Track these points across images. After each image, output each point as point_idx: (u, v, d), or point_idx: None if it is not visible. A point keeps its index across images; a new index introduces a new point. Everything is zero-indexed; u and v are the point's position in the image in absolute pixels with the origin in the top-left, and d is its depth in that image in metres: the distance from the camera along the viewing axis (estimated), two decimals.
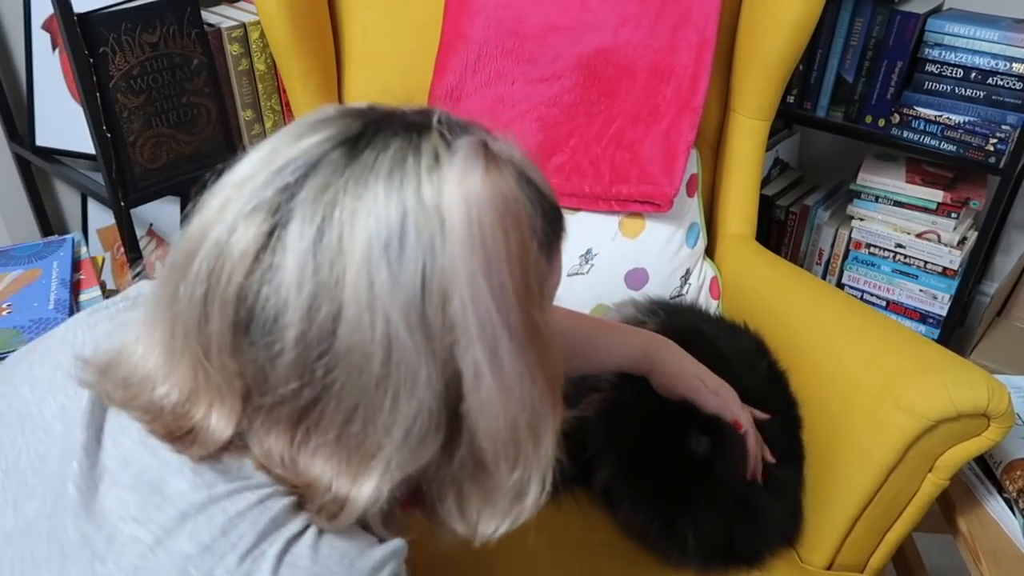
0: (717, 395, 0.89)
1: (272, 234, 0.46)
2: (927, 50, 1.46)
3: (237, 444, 0.50)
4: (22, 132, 1.58)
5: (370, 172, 0.46)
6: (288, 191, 0.46)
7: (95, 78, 1.32)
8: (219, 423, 0.49)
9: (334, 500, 0.48)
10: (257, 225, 0.46)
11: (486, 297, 0.46)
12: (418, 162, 0.47)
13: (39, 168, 1.59)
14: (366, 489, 0.48)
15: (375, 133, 0.48)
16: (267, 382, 0.47)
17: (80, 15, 1.28)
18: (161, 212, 1.71)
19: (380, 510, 0.50)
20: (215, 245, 0.46)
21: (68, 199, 1.72)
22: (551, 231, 0.54)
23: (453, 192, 0.46)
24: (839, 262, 1.71)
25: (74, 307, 1.04)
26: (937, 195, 1.53)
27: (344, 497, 0.48)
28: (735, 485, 0.88)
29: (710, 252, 1.29)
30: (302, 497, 0.49)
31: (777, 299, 1.12)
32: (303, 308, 0.45)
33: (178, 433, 0.49)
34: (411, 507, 0.55)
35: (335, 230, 0.45)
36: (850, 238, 1.66)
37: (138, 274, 0.62)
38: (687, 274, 1.20)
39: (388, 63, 1.24)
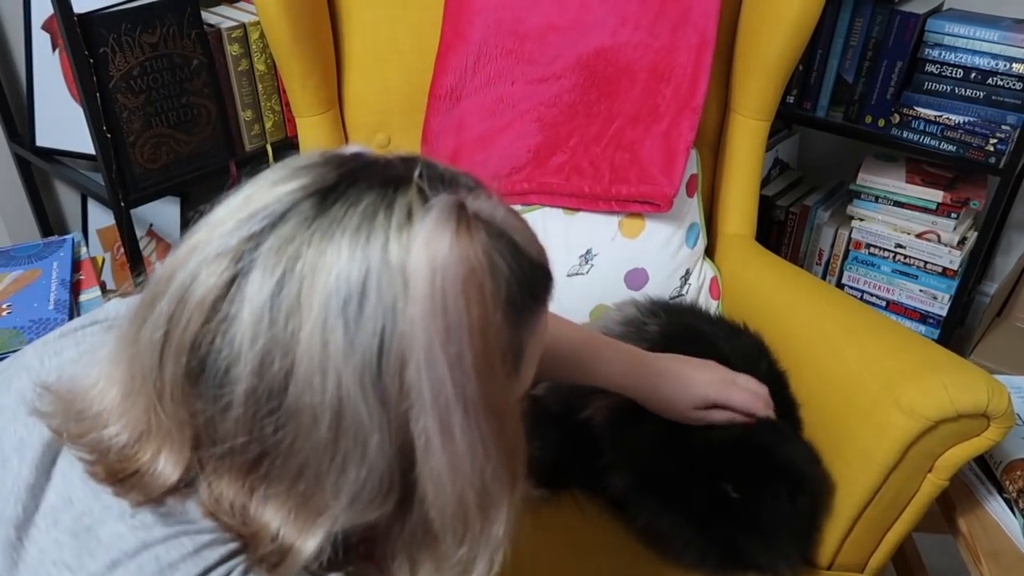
0: (727, 397, 0.89)
1: (232, 283, 0.44)
2: (927, 50, 1.46)
3: (183, 488, 0.49)
4: (22, 132, 1.58)
5: (338, 226, 0.45)
6: (254, 240, 0.45)
7: (95, 78, 1.32)
8: (166, 468, 0.48)
9: (279, 550, 0.47)
10: (219, 273, 0.44)
11: (442, 366, 0.44)
12: (388, 219, 0.45)
13: (39, 168, 1.59)
14: (311, 543, 0.47)
15: (350, 185, 0.47)
16: (216, 433, 0.46)
17: (80, 15, 1.28)
18: (161, 212, 1.71)
19: (329, 559, 0.49)
20: (178, 289, 0.45)
21: (68, 199, 1.72)
22: (530, 296, 0.51)
23: (420, 254, 0.44)
24: (839, 262, 1.71)
25: (74, 307, 1.04)
26: (937, 195, 1.53)
27: (288, 547, 0.47)
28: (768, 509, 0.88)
29: (710, 252, 1.29)
30: (245, 544, 0.48)
31: (777, 299, 1.12)
32: (255, 362, 0.44)
33: (120, 475, 0.48)
34: (364, 560, 0.53)
35: (295, 284, 0.44)
36: (850, 238, 1.66)
37: (140, 283, 0.62)
38: (687, 274, 1.20)
39: (388, 63, 1.24)
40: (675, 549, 0.91)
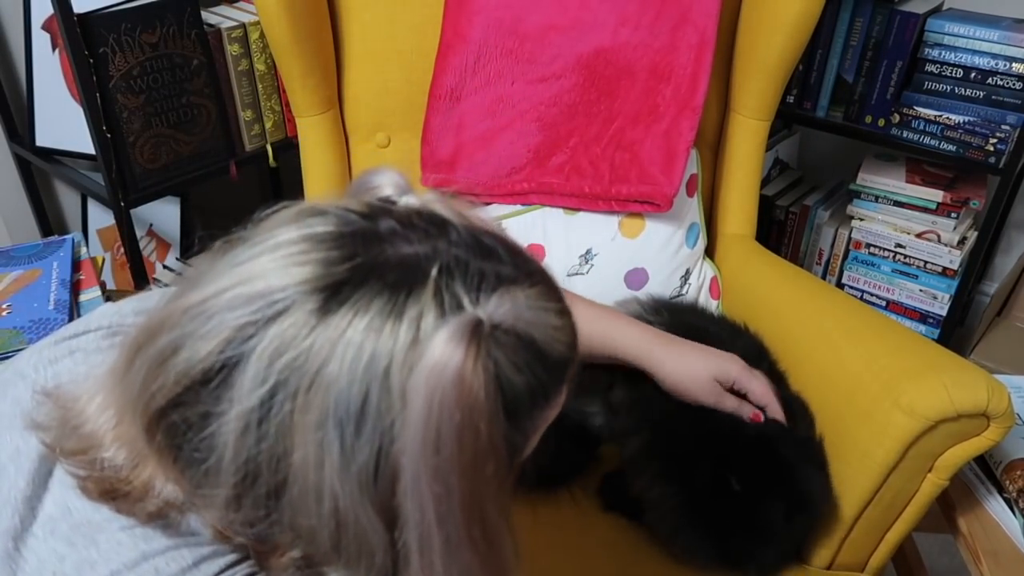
0: (748, 381, 0.89)
1: (221, 371, 0.42)
2: (927, 50, 1.46)
3: (183, 503, 0.48)
4: (22, 132, 1.58)
5: (340, 339, 0.41)
6: (247, 329, 0.42)
7: (95, 78, 1.32)
8: (164, 489, 0.47)
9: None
10: (207, 351, 0.42)
11: (427, 498, 0.42)
12: (395, 335, 0.41)
13: (39, 168, 1.59)
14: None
15: (359, 284, 0.42)
16: (208, 487, 0.45)
17: (80, 15, 1.28)
18: (161, 212, 1.71)
19: None
20: (171, 340, 0.43)
21: (68, 199, 1.72)
22: (543, 397, 0.48)
23: (422, 381, 0.41)
24: (839, 262, 1.71)
25: (74, 307, 1.04)
26: (937, 195, 1.53)
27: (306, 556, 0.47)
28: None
29: (710, 252, 1.29)
30: (247, 555, 0.48)
31: (777, 299, 1.12)
32: (238, 476, 0.43)
33: (115, 495, 0.47)
34: None
35: (288, 402, 0.41)
36: (850, 238, 1.66)
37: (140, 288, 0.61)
38: (687, 274, 1.20)
39: (388, 63, 1.24)
40: (659, 521, 0.91)
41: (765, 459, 0.87)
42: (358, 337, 0.41)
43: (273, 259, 0.43)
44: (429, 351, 0.41)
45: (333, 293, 0.42)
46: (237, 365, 0.42)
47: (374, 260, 0.43)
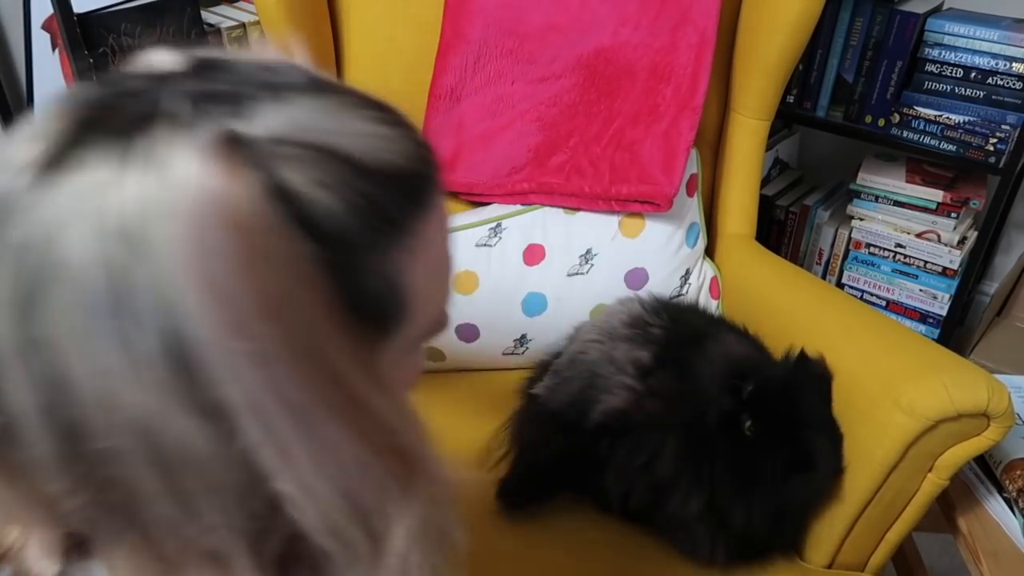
0: None
1: None
2: (927, 50, 1.46)
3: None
4: None
5: (64, 207, 0.33)
6: None
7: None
8: (39, 563, 0.40)
9: None
10: None
11: (245, 369, 0.34)
12: (123, 181, 0.32)
13: None
14: None
15: (79, 140, 0.34)
16: (54, 504, 0.37)
17: (80, 15, 1.28)
18: None
19: None
20: None
21: None
22: (386, 218, 0.38)
23: (170, 221, 0.32)
24: (839, 262, 1.71)
25: None
26: (937, 195, 1.53)
27: None
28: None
29: (710, 252, 1.29)
30: None
31: (777, 299, 1.12)
32: (41, 420, 0.34)
33: None
34: None
35: (32, 307, 0.33)
36: (850, 238, 1.66)
37: None
38: (687, 274, 1.20)
39: (388, 63, 1.24)
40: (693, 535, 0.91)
41: (781, 407, 0.87)
42: (75, 204, 0.33)
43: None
44: (171, 183, 0.32)
45: (51, 165, 0.33)
46: None
47: (99, 106, 0.36)
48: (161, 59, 0.39)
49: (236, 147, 0.34)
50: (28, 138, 0.35)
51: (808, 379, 0.92)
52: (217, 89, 0.37)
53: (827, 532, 0.94)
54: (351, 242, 0.37)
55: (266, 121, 0.36)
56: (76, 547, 0.40)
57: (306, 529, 0.38)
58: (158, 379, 0.33)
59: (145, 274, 0.32)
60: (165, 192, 0.32)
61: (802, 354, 0.93)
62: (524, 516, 0.97)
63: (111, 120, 0.35)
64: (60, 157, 0.34)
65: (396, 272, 0.39)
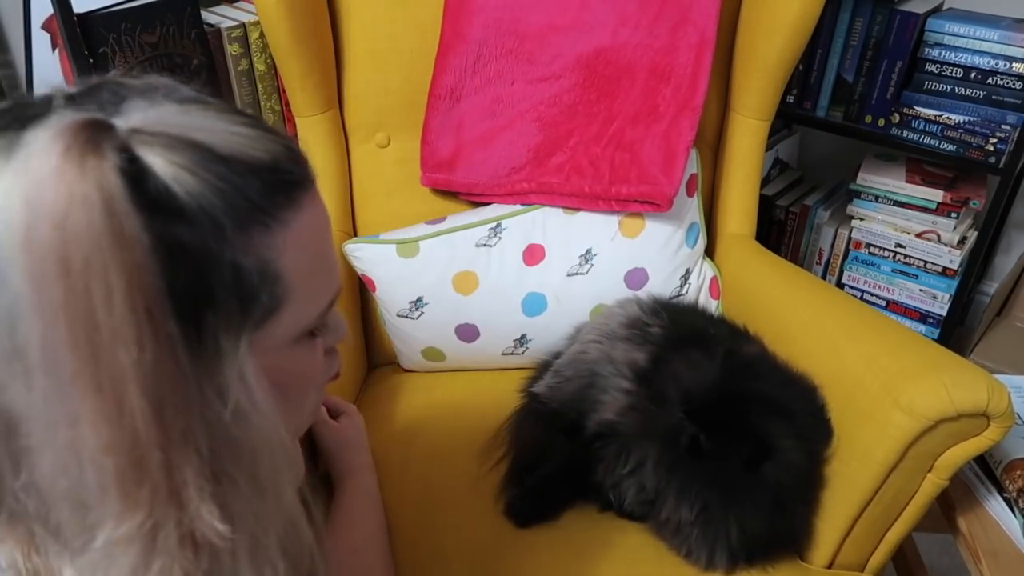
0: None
1: None
2: (927, 50, 1.46)
3: None
4: None
5: None
6: None
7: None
8: None
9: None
10: None
11: (28, 314, 0.37)
12: None
13: None
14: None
15: None
16: None
17: (80, 15, 1.28)
18: None
19: None
20: None
21: None
22: (249, 207, 0.42)
23: (12, 187, 0.36)
24: (839, 262, 1.71)
25: None
26: (937, 195, 1.53)
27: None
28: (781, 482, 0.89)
29: (710, 252, 1.29)
30: None
31: (777, 299, 1.12)
32: None
33: None
34: None
35: None
36: (850, 238, 1.66)
37: None
38: (687, 274, 1.20)
39: (388, 63, 1.24)
40: (691, 542, 0.91)
41: (722, 412, 0.88)
42: None
43: None
44: (21, 157, 0.37)
45: None
46: None
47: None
48: (66, 84, 0.44)
49: (91, 130, 0.37)
50: None
51: (741, 371, 0.93)
52: (97, 95, 0.42)
53: (827, 532, 0.94)
54: (213, 218, 0.40)
55: (132, 116, 0.40)
56: None
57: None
58: None
59: None
60: (19, 164, 0.37)
61: (728, 350, 0.95)
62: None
63: (2, 118, 0.39)
64: None
65: (266, 256, 0.43)
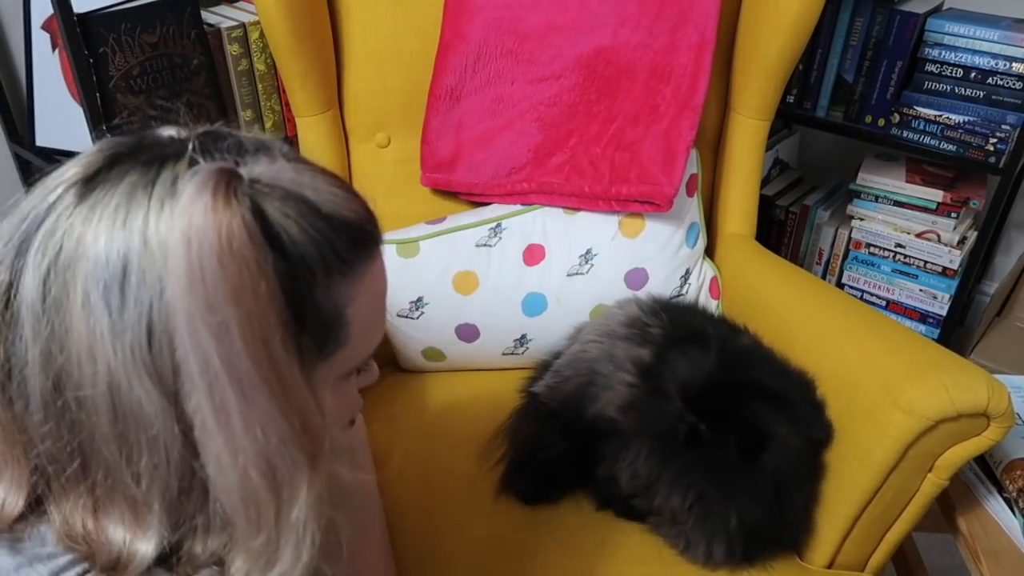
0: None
1: (10, 289, 0.45)
2: (927, 50, 1.46)
3: (33, 512, 0.48)
4: (22, 132, 1.58)
5: (96, 211, 0.44)
6: (25, 242, 0.45)
7: (95, 78, 1.32)
8: (8, 497, 0.47)
9: (118, 559, 0.47)
10: None
11: (206, 340, 0.42)
12: (149, 195, 0.44)
13: (39, 168, 1.59)
14: (143, 547, 0.47)
15: (112, 167, 0.46)
16: (35, 442, 0.46)
17: (80, 15, 1.28)
18: None
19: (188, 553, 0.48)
20: None
21: None
22: (334, 256, 0.48)
23: (176, 226, 0.43)
24: (839, 262, 1.71)
25: None
26: (937, 195, 1.53)
27: (127, 554, 0.47)
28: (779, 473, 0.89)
29: (710, 252, 1.29)
30: (94, 562, 0.47)
31: (777, 299, 1.12)
32: (40, 361, 0.44)
33: None
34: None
35: (60, 277, 0.44)
36: (850, 238, 1.66)
37: None
38: (687, 274, 1.20)
39: (388, 63, 1.24)
40: (688, 531, 0.91)
41: (718, 400, 0.89)
42: (113, 203, 0.44)
43: (37, 187, 0.47)
44: (181, 199, 0.43)
45: (89, 180, 0.45)
46: (23, 273, 0.44)
47: (131, 148, 0.47)
48: (176, 130, 0.51)
49: (228, 176, 0.44)
50: (73, 164, 0.47)
51: (736, 360, 0.94)
52: (220, 143, 0.48)
53: (827, 532, 0.94)
54: (308, 264, 0.47)
55: (255, 168, 0.47)
56: (34, 504, 0.48)
57: (222, 491, 0.46)
58: (131, 342, 0.43)
59: (147, 264, 0.43)
60: (177, 205, 0.43)
61: (724, 342, 0.95)
62: (525, 515, 0.98)
63: (139, 155, 0.46)
64: (95, 176, 0.45)
65: (341, 301, 0.49)
